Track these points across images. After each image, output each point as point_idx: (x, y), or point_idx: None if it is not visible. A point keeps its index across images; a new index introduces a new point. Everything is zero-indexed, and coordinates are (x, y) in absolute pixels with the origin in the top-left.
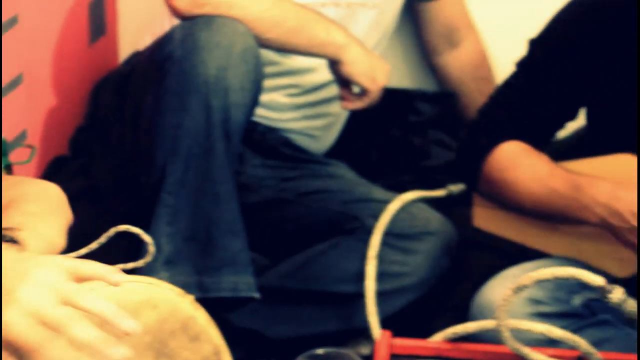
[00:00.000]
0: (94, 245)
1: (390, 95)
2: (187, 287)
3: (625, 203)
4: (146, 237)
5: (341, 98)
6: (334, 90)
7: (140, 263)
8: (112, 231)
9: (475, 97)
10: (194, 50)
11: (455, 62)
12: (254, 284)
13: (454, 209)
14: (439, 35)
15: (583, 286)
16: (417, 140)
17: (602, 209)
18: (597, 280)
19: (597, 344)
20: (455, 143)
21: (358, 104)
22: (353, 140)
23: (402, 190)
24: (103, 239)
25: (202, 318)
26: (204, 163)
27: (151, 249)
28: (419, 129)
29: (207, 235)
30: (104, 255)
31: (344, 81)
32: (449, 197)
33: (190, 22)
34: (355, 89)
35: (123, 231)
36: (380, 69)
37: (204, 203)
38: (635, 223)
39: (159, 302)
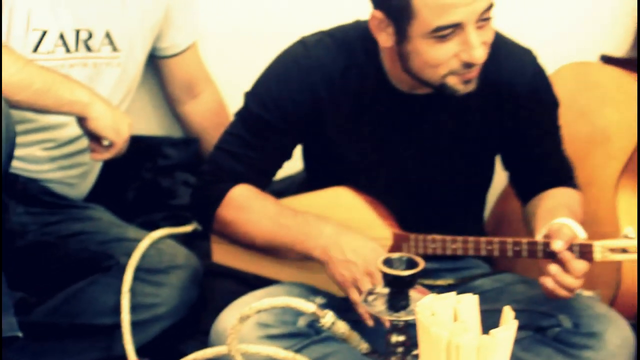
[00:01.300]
0: None
1: (141, 141)
2: None
3: (345, 240)
4: None
5: (91, 150)
6: (86, 142)
7: None
8: None
9: (215, 140)
10: None
11: (196, 111)
12: (15, 324)
13: (200, 242)
14: (180, 88)
15: None
16: (165, 182)
17: (326, 240)
18: (309, 307)
19: (322, 358)
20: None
21: (106, 155)
22: (110, 184)
23: (155, 227)
24: None
25: None
26: None
27: None
28: (167, 172)
29: None
30: None
31: (92, 135)
32: (195, 232)
33: None
34: (105, 142)
35: None
36: (123, 122)
37: None
38: (349, 257)
39: None
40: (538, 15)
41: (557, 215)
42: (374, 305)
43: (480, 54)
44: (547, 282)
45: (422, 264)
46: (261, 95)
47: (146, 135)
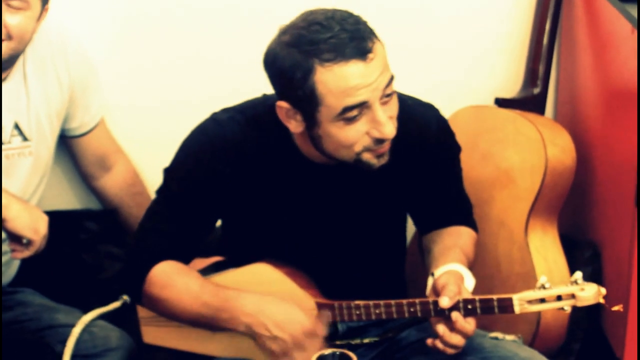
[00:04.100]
0: None
1: (60, 217)
2: None
3: (268, 315)
4: None
5: (12, 250)
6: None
7: None
8: None
9: (134, 209)
10: None
11: (111, 183)
12: None
13: (131, 315)
14: (93, 163)
15: None
16: (89, 257)
17: (249, 318)
18: None
19: None
20: (124, 252)
21: (26, 254)
22: (34, 264)
23: (84, 304)
24: None
25: None
26: None
27: None
28: (90, 246)
29: None
30: None
31: (12, 235)
32: (125, 305)
33: None
34: (24, 239)
35: None
36: (40, 220)
37: None
38: (275, 333)
39: None
40: (430, 61)
41: (449, 259)
42: None
43: (390, 129)
44: (437, 344)
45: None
46: (178, 173)
47: (64, 210)
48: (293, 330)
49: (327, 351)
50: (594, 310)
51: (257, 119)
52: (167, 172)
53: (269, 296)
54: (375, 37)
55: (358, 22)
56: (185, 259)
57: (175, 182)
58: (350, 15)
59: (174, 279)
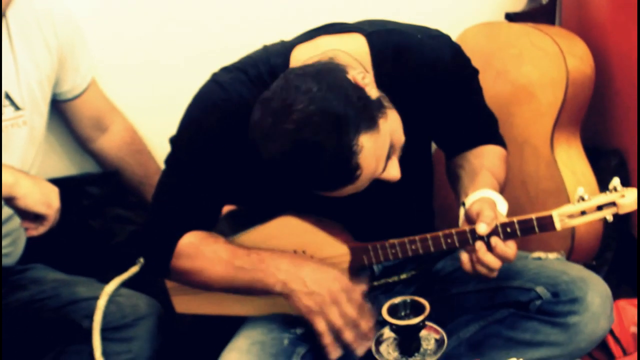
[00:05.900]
0: None
1: (60, 184)
2: None
3: (305, 271)
4: None
5: (25, 229)
6: (9, 209)
7: None
8: None
9: (136, 168)
10: None
11: (110, 144)
12: None
13: (151, 279)
14: (89, 126)
15: None
16: (97, 223)
17: (285, 275)
18: None
19: None
20: (132, 213)
21: (41, 230)
22: (41, 238)
23: (100, 273)
24: None
25: None
26: None
27: None
28: (96, 211)
29: None
30: None
31: (23, 212)
32: (143, 268)
33: None
34: None
35: None
36: (51, 193)
37: None
38: (313, 288)
39: None
40: None
41: (479, 184)
42: (388, 354)
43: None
44: (473, 257)
45: (427, 307)
46: (186, 142)
47: (63, 177)
48: (330, 285)
49: (398, 299)
50: (623, 217)
51: (261, 79)
52: (174, 141)
53: (303, 256)
54: (358, 129)
55: (333, 128)
56: (208, 226)
57: (184, 152)
58: (322, 115)
59: (201, 249)
